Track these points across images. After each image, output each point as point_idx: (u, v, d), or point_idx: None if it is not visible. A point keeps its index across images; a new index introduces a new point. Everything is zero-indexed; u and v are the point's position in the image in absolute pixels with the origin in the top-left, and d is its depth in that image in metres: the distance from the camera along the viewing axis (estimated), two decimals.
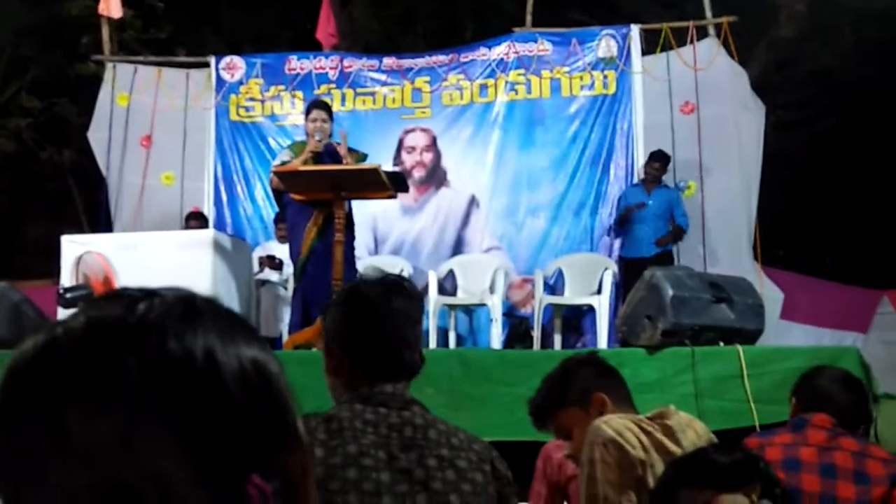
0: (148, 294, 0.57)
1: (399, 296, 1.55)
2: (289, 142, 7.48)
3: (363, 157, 5.39)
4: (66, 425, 0.51)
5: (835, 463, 2.21)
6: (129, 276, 4.80)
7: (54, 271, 5.28)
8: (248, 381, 0.55)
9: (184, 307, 0.56)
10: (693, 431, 1.99)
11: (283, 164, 5.26)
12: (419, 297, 1.66)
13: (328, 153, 5.30)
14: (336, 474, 1.36)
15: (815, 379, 2.51)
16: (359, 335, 1.53)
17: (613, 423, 1.84)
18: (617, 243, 6.85)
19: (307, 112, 5.49)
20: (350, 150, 5.40)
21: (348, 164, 5.12)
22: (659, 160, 6.55)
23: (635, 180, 6.87)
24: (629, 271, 6.15)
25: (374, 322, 1.53)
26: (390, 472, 1.39)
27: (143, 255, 5.04)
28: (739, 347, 3.91)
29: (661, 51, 7.09)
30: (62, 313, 4.84)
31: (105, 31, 7.83)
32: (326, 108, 5.49)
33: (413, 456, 1.41)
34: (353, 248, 5.35)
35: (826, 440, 2.28)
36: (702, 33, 7.12)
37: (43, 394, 0.52)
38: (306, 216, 5.19)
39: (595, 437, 1.83)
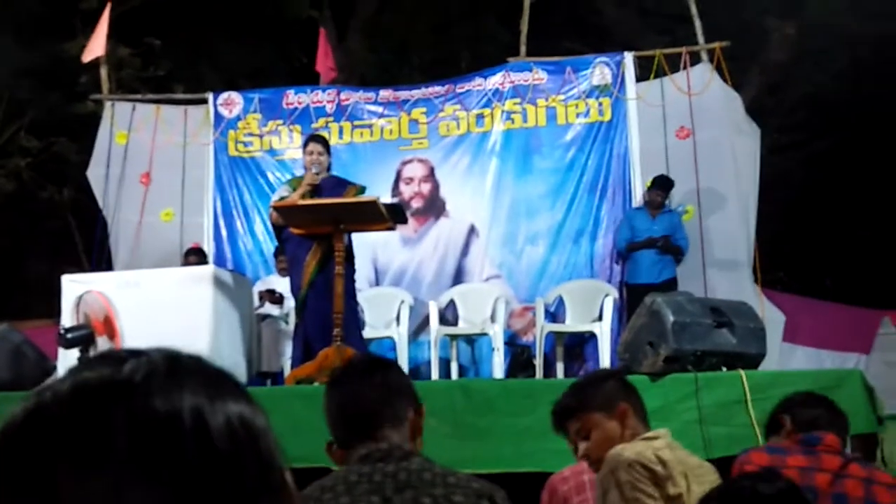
0: (134, 354, 0.58)
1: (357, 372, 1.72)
2: (288, 176, 7.52)
3: (362, 190, 5.41)
4: (58, 488, 0.52)
5: (846, 492, 2.14)
6: (130, 314, 4.80)
7: (55, 311, 5.28)
8: (235, 438, 0.55)
9: (169, 366, 0.57)
10: (694, 458, 2.03)
11: (282, 199, 5.28)
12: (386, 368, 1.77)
13: (326, 186, 5.32)
14: None
15: (805, 401, 2.55)
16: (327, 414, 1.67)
17: (630, 447, 1.96)
18: (617, 268, 6.85)
19: (304, 146, 5.54)
20: (348, 183, 5.43)
21: (347, 198, 5.14)
22: (662, 187, 6.56)
23: (634, 204, 6.89)
24: (633, 297, 6.13)
25: (329, 398, 1.68)
26: None
27: (144, 292, 5.04)
28: (742, 372, 3.90)
29: (655, 77, 7.14)
30: (63, 354, 4.83)
31: (103, 71, 7.90)
32: (323, 141, 5.54)
33: (407, 496, 1.44)
34: (353, 281, 5.36)
35: (839, 466, 2.20)
36: (695, 59, 7.18)
37: (33, 458, 0.53)
38: (306, 249, 5.20)
39: (616, 463, 1.92)
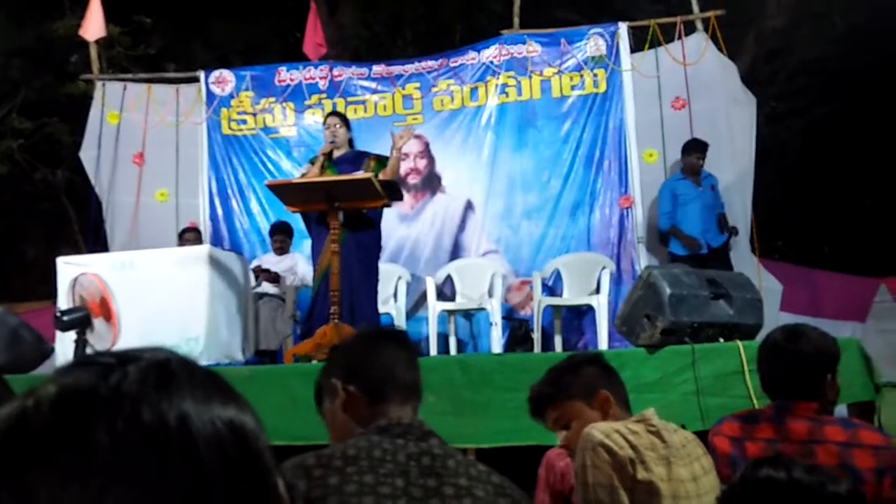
0: (123, 360, 0.57)
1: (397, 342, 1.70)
2: (282, 153, 7.53)
3: (382, 160, 5.35)
4: (36, 497, 0.51)
5: (817, 462, 2.01)
6: (126, 295, 4.79)
7: (53, 293, 5.26)
8: (223, 446, 0.54)
9: (158, 373, 0.56)
10: (679, 435, 2.00)
11: (303, 175, 5.32)
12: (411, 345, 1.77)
13: (346, 159, 5.31)
14: (350, 502, 1.35)
15: (775, 356, 2.27)
16: (373, 368, 1.61)
17: (601, 427, 1.90)
18: (614, 240, 6.83)
19: (324, 122, 5.61)
20: (368, 155, 5.38)
21: (365, 170, 5.10)
22: (701, 149, 6.49)
23: (628, 178, 6.85)
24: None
25: (384, 355, 1.64)
26: (407, 499, 1.39)
27: (139, 273, 5.02)
28: (740, 343, 3.89)
29: (650, 47, 7.08)
30: (60, 336, 4.82)
31: (93, 50, 7.81)
32: (340, 115, 5.63)
33: (431, 483, 1.41)
34: (376, 258, 5.42)
35: (808, 433, 2.10)
36: (690, 28, 7.11)
37: (13, 468, 0.52)
38: (325, 236, 5.21)
39: (585, 443, 1.88)
